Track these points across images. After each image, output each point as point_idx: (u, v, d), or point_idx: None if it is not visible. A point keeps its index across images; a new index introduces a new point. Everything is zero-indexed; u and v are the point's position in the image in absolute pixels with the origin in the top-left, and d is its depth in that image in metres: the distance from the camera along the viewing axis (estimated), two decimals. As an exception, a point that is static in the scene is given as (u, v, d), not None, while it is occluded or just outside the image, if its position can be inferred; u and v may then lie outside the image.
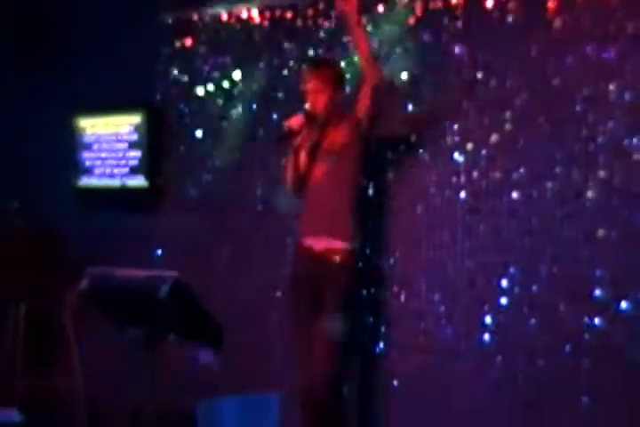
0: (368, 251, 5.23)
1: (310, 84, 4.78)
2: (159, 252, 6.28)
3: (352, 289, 4.84)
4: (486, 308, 4.85)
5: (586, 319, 4.48)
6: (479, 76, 4.92)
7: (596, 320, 4.46)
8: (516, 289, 4.76)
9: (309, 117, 4.75)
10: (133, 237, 6.32)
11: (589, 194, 4.53)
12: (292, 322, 4.91)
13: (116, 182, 6.56)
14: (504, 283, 4.80)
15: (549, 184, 4.66)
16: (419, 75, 5.12)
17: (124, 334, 3.87)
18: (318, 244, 4.77)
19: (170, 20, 6.26)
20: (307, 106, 4.79)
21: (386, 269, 5.21)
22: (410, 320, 5.13)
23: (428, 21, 5.09)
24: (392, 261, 5.20)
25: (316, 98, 4.76)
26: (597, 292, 4.48)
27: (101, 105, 6.62)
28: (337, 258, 4.73)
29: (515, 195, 4.78)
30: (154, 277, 3.68)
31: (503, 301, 4.80)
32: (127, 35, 6.47)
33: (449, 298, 5.00)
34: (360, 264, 4.99)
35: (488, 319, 4.84)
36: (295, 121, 4.70)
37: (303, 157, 4.87)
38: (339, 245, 4.75)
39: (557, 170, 4.63)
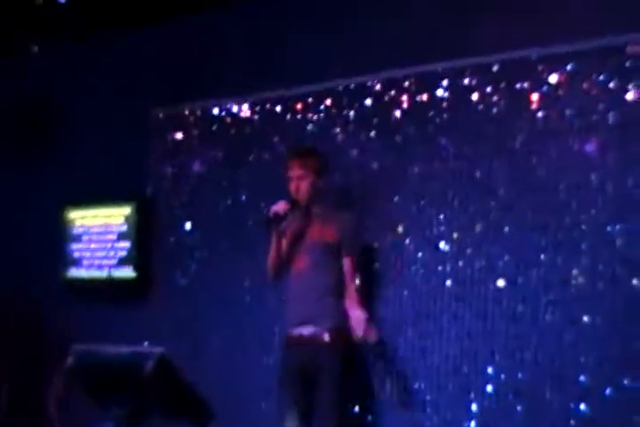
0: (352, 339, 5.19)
1: (294, 171, 4.90)
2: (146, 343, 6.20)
3: (346, 370, 4.76)
4: (472, 395, 4.81)
5: (571, 405, 4.45)
6: (464, 166, 4.98)
7: (582, 406, 4.43)
8: (502, 376, 4.74)
9: (293, 203, 4.85)
10: (120, 328, 6.25)
11: (574, 280, 4.56)
12: (288, 414, 4.81)
13: (103, 273, 6.54)
14: (490, 370, 4.77)
15: (534, 271, 4.70)
16: (405, 165, 5.19)
17: (107, 414, 3.80)
18: (306, 330, 4.76)
19: (161, 114, 6.35)
20: (291, 192, 4.86)
21: (371, 357, 5.16)
22: (396, 408, 5.06)
23: (415, 114, 5.18)
24: (378, 349, 5.15)
25: (299, 184, 4.88)
26: (582, 377, 4.46)
27: (91, 197, 6.64)
28: (327, 338, 4.71)
29: (500, 282, 4.81)
30: (139, 353, 3.62)
31: (489, 388, 4.76)
32: (119, 127, 6.54)
33: (434, 386, 4.95)
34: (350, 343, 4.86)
35: (474, 407, 4.80)
36: (280, 206, 4.78)
37: (285, 243, 4.94)
38: (327, 325, 4.73)
39: (542, 257, 4.67)
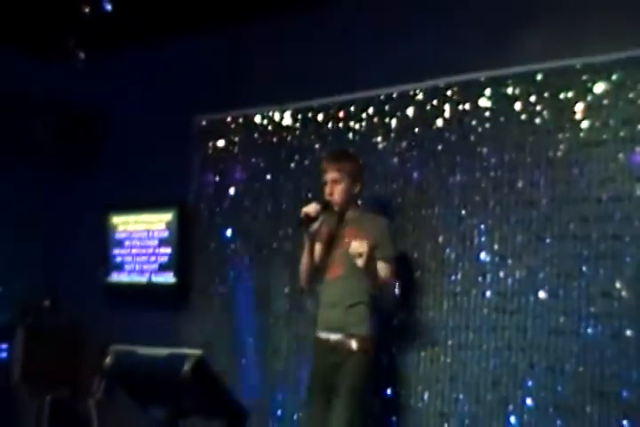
0: (393, 350, 5.17)
1: (329, 174, 4.80)
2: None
3: (368, 378, 4.64)
4: (511, 408, 4.73)
5: (613, 420, 4.35)
6: (506, 176, 4.92)
7: (625, 422, 4.33)
8: (542, 389, 4.66)
9: (326, 206, 4.73)
10: (160, 333, 6.23)
11: (616, 293, 4.47)
12: (312, 419, 4.76)
13: (144, 279, 6.56)
14: (529, 383, 4.69)
15: (576, 283, 4.62)
16: (446, 175, 5.15)
17: (146, 413, 3.79)
18: (334, 335, 4.68)
19: (204, 122, 6.36)
20: (325, 195, 4.78)
21: (410, 368, 5.12)
22: (434, 421, 4.99)
23: (457, 123, 5.13)
24: (416, 360, 5.11)
25: (333, 188, 4.78)
26: (624, 392, 4.37)
27: (134, 203, 6.66)
28: (354, 345, 4.61)
29: (541, 294, 4.75)
30: (177, 355, 3.62)
31: (528, 401, 4.68)
32: (162, 135, 6.55)
33: (473, 397, 4.87)
34: (377, 353, 4.81)
35: (513, 420, 4.72)
36: (312, 207, 4.67)
37: (319, 248, 4.85)
38: (356, 333, 4.63)
39: (584, 269, 4.60)
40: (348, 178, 4.77)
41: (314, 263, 4.83)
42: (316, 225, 4.72)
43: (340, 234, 4.79)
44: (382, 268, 4.62)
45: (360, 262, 4.40)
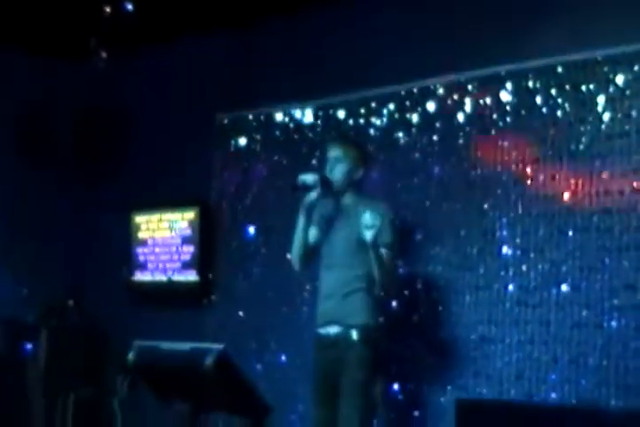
0: (413, 344, 5.17)
1: (332, 152, 4.71)
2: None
3: (373, 370, 4.52)
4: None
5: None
6: (528, 169, 4.89)
7: (648, 414, 4.29)
8: (565, 383, 4.62)
9: (325, 181, 4.58)
10: (184, 331, 6.22)
11: (640, 285, 4.44)
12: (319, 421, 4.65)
13: (168, 277, 6.57)
14: (553, 376, 4.66)
15: (599, 276, 4.59)
16: (467, 169, 5.13)
17: (169, 408, 3.79)
18: (333, 329, 4.55)
19: (225, 120, 6.36)
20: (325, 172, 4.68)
21: (432, 362, 5.11)
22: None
23: (478, 117, 5.11)
24: (439, 354, 5.10)
25: (334, 166, 4.65)
26: (649, 385, 4.33)
27: (157, 201, 6.67)
28: (354, 336, 4.47)
29: (564, 287, 4.71)
30: (199, 349, 3.61)
31: (552, 395, 4.64)
32: (184, 133, 6.56)
33: (496, 391, 4.84)
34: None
35: (537, 413, 4.68)
36: (310, 175, 4.58)
37: (314, 231, 4.72)
38: (356, 323, 4.48)
39: (607, 261, 4.56)
40: (352, 160, 4.67)
41: (307, 243, 4.68)
42: (313, 195, 4.57)
43: (336, 220, 4.67)
44: (383, 254, 4.51)
45: (369, 235, 4.32)
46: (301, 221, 4.64)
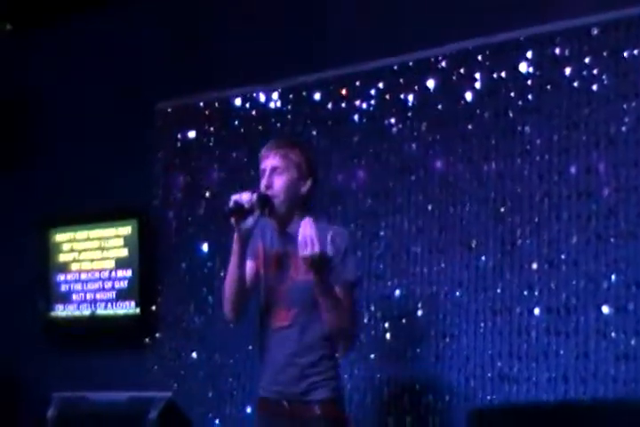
0: (417, 386, 5.19)
1: (268, 161, 4.49)
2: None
3: None
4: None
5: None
6: (555, 161, 4.90)
7: None
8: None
9: (264, 200, 4.36)
10: (120, 377, 6.19)
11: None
12: None
13: (98, 311, 6.55)
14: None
15: (648, 294, 4.60)
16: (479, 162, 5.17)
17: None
18: (291, 401, 4.40)
19: (169, 109, 6.37)
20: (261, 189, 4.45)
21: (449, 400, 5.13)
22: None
23: (491, 96, 5.14)
24: (448, 396, 5.12)
25: (272, 179, 4.43)
26: None
27: (83, 215, 6.67)
28: (317, 410, 4.34)
29: (605, 309, 4.72)
30: (140, 400, 3.59)
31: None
32: (116, 126, 6.57)
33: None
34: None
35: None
36: (245, 196, 4.32)
37: (251, 266, 4.53)
38: (319, 396, 4.36)
39: (661, 275, 4.58)
40: (296, 169, 4.46)
41: (243, 282, 4.46)
42: (250, 221, 4.36)
43: (286, 260, 4.47)
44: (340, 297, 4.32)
45: (307, 252, 4.13)
46: (235, 256, 4.45)
